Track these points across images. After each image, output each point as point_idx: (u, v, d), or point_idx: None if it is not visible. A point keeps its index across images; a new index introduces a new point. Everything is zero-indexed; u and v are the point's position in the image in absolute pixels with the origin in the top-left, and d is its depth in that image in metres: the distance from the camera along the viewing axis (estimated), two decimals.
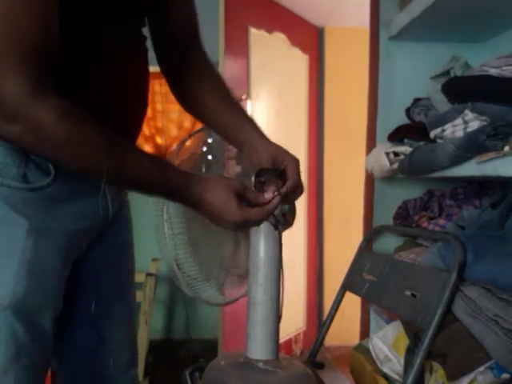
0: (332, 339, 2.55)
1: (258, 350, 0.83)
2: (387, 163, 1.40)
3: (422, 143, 1.35)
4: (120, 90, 0.80)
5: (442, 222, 1.32)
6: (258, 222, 0.79)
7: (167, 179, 0.74)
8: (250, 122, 0.93)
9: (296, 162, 0.87)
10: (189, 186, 0.75)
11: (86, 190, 0.80)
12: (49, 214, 0.77)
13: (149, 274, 2.34)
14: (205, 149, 1.01)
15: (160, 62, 0.98)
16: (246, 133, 0.90)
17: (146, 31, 0.91)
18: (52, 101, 0.65)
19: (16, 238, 0.74)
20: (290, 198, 0.85)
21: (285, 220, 0.83)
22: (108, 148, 0.69)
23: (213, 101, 0.93)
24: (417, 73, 1.54)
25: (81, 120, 0.68)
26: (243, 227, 0.79)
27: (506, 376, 0.90)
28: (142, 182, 0.74)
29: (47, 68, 0.66)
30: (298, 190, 0.86)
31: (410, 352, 1.07)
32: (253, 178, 0.86)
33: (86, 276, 0.91)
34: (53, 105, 0.65)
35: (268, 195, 0.78)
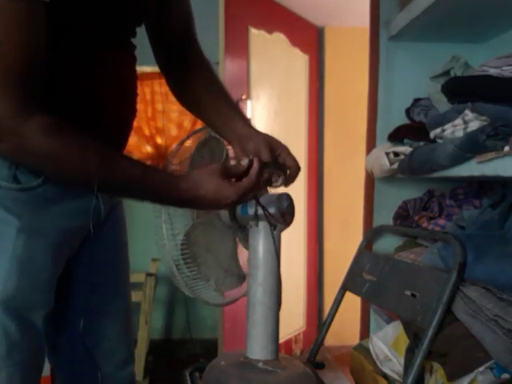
0: (332, 339, 2.54)
1: (258, 349, 0.83)
2: (387, 163, 1.40)
3: (421, 143, 1.35)
4: (109, 99, 0.82)
5: (441, 221, 1.32)
6: (253, 189, 0.80)
7: (154, 183, 0.75)
8: (241, 116, 0.95)
9: (286, 147, 0.91)
10: (178, 187, 0.75)
11: (77, 191, 0.81)
12: (40, 213, 0.78)
13: (149, 274, 2.34)
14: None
15: (157, 60, 1.00)
16: (238, 126, 0.92)
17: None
18: (36, 118, 0.67)
19: (7, 236, 0.75)
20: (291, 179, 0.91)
21: (283, 219, 0.83)
22: (95, 160, 0.70)
23: (206, 94, 0.96)
24: (417, 73, 1.54)
25: (67, 134, 0.69)
26: (243, 201, 0.81)
27: (505, 376, 0.90)
28: (131, 190, 0.75)
29: (33, 91, 0.67)
30: (298, 171, 0.91)
31: (410, 352, 1.07)
32: None
33: (81, 275, 0.92)
34: (37, 122, 0.66)
35: (244, 162, 0.80)
